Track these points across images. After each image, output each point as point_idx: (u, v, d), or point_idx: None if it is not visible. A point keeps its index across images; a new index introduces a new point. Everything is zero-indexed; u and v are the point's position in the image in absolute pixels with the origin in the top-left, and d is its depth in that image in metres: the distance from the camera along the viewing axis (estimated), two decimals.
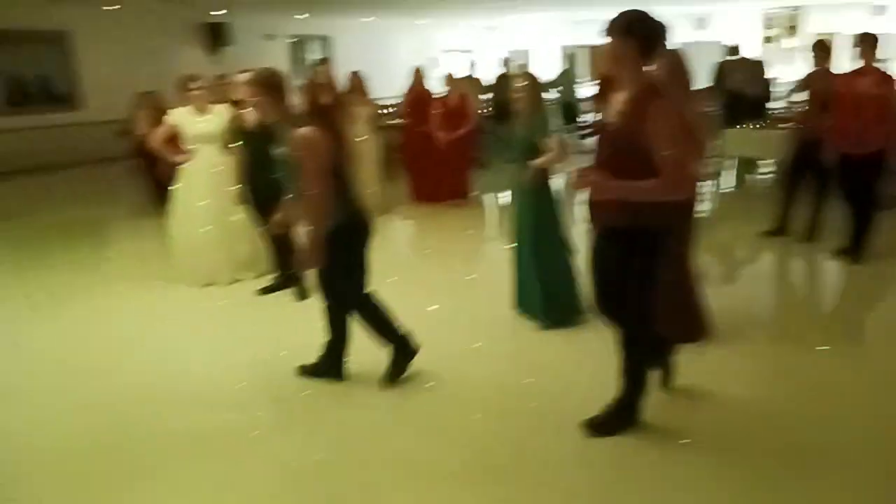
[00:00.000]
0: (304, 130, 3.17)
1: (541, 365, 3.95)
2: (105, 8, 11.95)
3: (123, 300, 5.45)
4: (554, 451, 3.06)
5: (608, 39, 2.59)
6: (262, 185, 4.92)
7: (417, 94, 8.43)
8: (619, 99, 2.66)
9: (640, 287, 2.73)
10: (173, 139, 5.56)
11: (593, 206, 2.79)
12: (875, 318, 4.90)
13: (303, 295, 5.14)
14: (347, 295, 3.56)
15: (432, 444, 3.19)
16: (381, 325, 3.61)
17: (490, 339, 4.33)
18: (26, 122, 11.74)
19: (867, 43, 5.25)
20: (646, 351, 2.97)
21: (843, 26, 15.24)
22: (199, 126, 5.38)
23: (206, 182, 5.46)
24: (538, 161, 4.03)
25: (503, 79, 11.43)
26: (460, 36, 20.55)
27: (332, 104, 6.99)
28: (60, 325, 4.96)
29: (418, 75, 8.52)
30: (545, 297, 4.22)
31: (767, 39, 16.66)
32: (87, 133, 12.11)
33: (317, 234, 3.26)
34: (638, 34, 2.53)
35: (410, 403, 3.58)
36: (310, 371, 3.80)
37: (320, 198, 3.18)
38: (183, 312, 5.15)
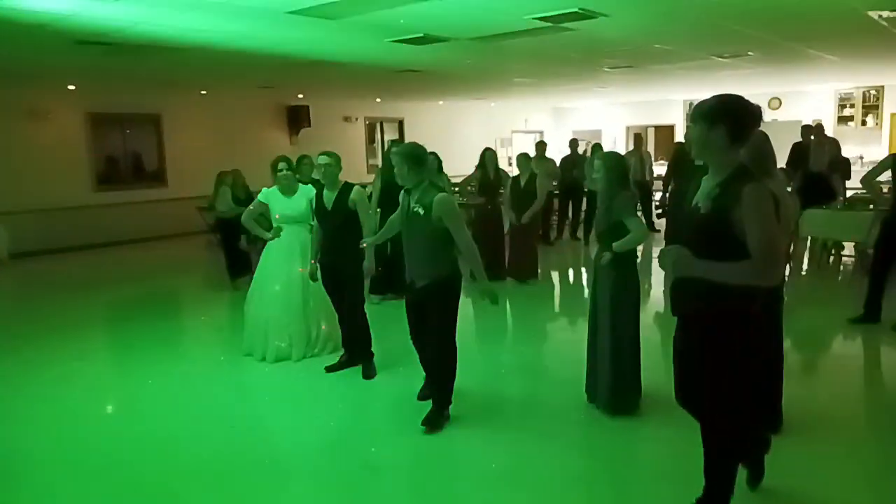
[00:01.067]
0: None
1: (614, 456, 3.77)
2: (202, 92, 12.80)
3: (198, 371, 5.56)
4: None
5: (695, 125, 2.56)
6: (340, 262, 5.06)
7: (489, 174, 8.55)
8: (709, 183, 2.60)
9: (725, 377, 2.58)
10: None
11: (678, 289, 2.69)
12: None
13: (369, 373, 5.12)
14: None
15: None
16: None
17: (564, 426, 4.17)
18: (117, 197, 12.47)
19: None
20: (734, 446, 2.77)
21: None
22: (286, 205, 5.55)
23: (286, 258, 5.60)
24: (620, 242, 3.95)
25: (572, 158, 11.52)
26: (529, 117, 20.96)
27: None
28: (145, 392, 5.08)
29: (491, 155, 8.67)
30: (615, 382, 4.07)
31: (843, 119, 16.32)
32: (172, 208, 12.78)
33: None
34: (727, 120, 2.49)
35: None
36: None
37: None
38: (253, 386, 5.21)
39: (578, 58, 9.39)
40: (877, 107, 16.03)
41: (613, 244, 3.94)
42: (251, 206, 5.75)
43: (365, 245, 4.78)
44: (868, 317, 6.05)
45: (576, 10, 6.02)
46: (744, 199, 2.39)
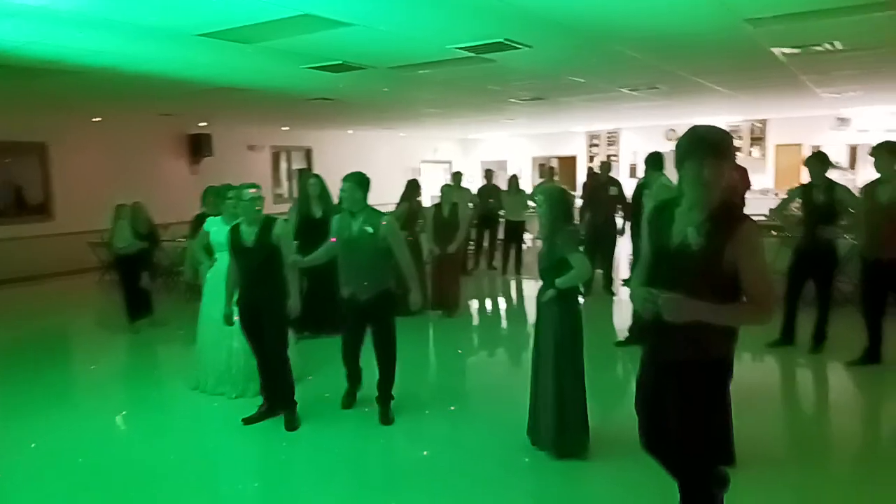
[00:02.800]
0: None
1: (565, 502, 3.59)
2: (94, 119, 11.93)
3: (92, 427, 4.97)
4: None
5: (713, 161, 2.37)
6: (262, 301, 4.68)
7: (411, 206, 8.36)
8: (695, 218, 2.44)
9: (704, 421, 2.45)
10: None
11: (666, 335, 2.47)
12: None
13: (293, 424, 4.72)
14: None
15: None
16: None
17: (510, 472, 3.96)
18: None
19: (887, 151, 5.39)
20: (712, 490, 2.63)
21: (805, 138, 15.95)
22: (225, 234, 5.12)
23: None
24: (563, 279, 3.81)
25: (487, 188, 11.52)
26: (438, 147, 21.03)
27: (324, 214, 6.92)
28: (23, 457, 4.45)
29: (414, 187, 8.52)
30: (558, 424, 3.90)
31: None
32: (61, 244, 11.77)
33: None
34: (731, 153, 2.40)
35: None
36: None
37: None
38: (158, 445, 4.69)
39: (493, 89, 9.43)
40: (762, 138, 17.14)
41: (556, 281, 3.81)
42: (199, 237, 5.80)
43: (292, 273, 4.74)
44: (784, 340, 6.25)
45: (501, 40, 5.97)
46: (741, 237, 2.29)
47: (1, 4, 4.54)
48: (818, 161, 5.83)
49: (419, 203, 8.55)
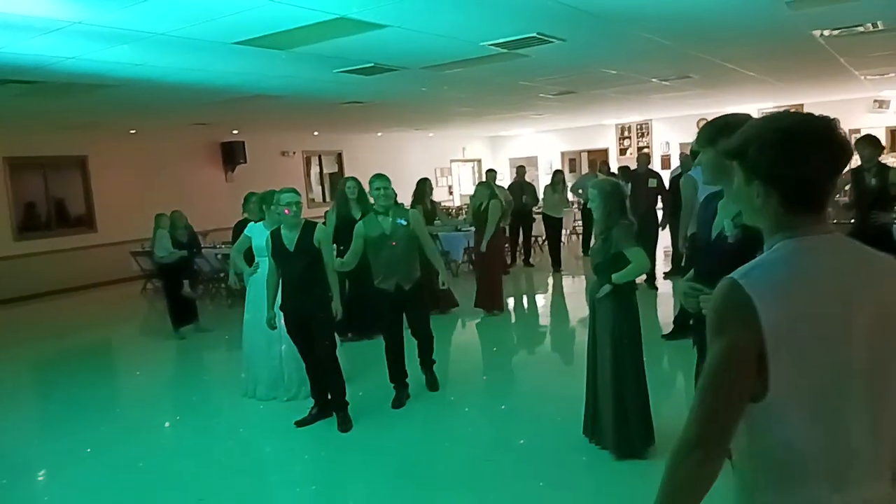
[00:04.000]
0: None
1: None
2: (131, 131, 12.15)
3: (147, 436, 5.05)
4: None
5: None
6: (308, 306, 4.70)
7: (424, 207, 8.37)
8: (732, 209, 2.40)
9: None
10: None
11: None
12: None
13: (346, 426, 4.74)
14: None
15: None
16: None
17: (559, 472, 3.92)
18: (41, 246, 11.62)
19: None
20: None
21: (843, 122, 15.56)
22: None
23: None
24: (620, 274, 3.75)
25: (519, 184, 11.45)
26: (467, 146, 21.01)
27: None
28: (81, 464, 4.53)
29: (424, 187, 8.63)
30: (619, 422, 3.83)
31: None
32: (103, 254, 12.00)
33: None
34: None
35: None
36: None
37: None
38: (210, 452, 4.74)
39: (524, 84, 9.37)
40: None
41: (613, 276, 3.74)
42: (238, 243, 5.88)
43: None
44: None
45: (534, 34, 5.93)
46: None
47: (39, 22, 4.63)
48: (869, 144, 5.66)
49: (432, 202, 8.52)
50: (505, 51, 6.54)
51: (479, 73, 7.81)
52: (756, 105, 16.02)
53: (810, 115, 1.31)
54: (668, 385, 5.38)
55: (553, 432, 4.42)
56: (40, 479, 4.45)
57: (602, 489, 3.77)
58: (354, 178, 7.28)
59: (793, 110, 1.39)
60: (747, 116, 2.42)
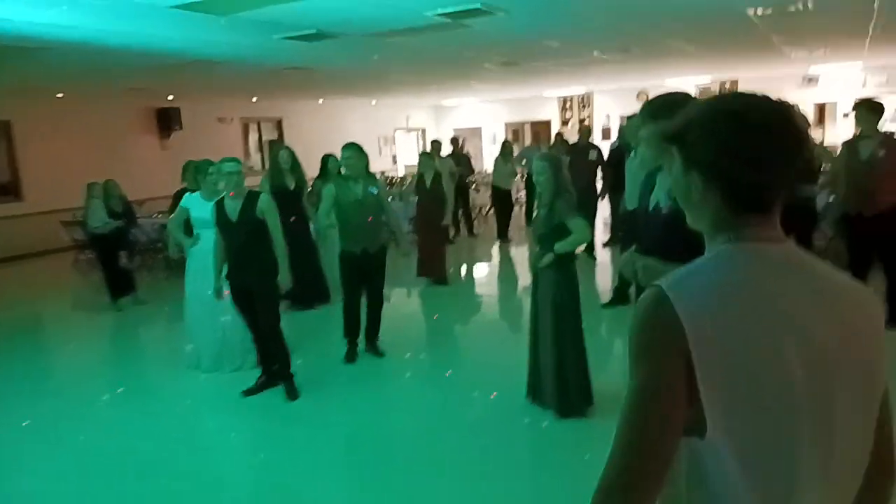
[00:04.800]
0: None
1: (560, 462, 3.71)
2: (58, 95, 11.60)
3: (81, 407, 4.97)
4: None
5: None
6: (251, 277, 4.67)
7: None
8: (666, 182, 2.51)
9: None
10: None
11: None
12: None
13: (293, 394, 4.77)
14: None
15: None
16: None
17: (504, 432, 4.07)
18: None
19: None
20: None
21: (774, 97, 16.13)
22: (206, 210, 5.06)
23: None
24: (562, 243, 3.87)
25: (456, 157, 11.50)
26: (411, 115, 20.88)
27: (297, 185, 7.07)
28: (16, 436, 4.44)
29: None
30: (560, 384, 4.01)
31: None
32: (31, 224, 11.51)
33: None
34: None
35: None
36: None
37: None
38: (158, 419, 4.70)
39: (468, 55, 9.36)
40: None
41: (556, 245, 3.86)
42: (174, 215, 5.71)
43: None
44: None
45: (479, 6, 5.93)
46: None
47: None
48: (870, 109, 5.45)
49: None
50: (449, 21, 6.53)
51: (422, 42, 7.76)
52: (693, 78, 16.44)
53: (765, 97, 1.10)
54: (607, 350, 5.59)
55: (497, 397, 4.56)
56: None
57: (545, 446, 3.96)
58: (287, 148, 7.22)
59: (728, 85, 1.17)
60: (689, 96, 2.53)
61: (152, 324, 7.43)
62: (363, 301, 5.49)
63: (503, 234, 10.98)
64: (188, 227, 5.62)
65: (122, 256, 7.69)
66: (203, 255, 5.12)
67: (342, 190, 5.41)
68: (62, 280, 10.29)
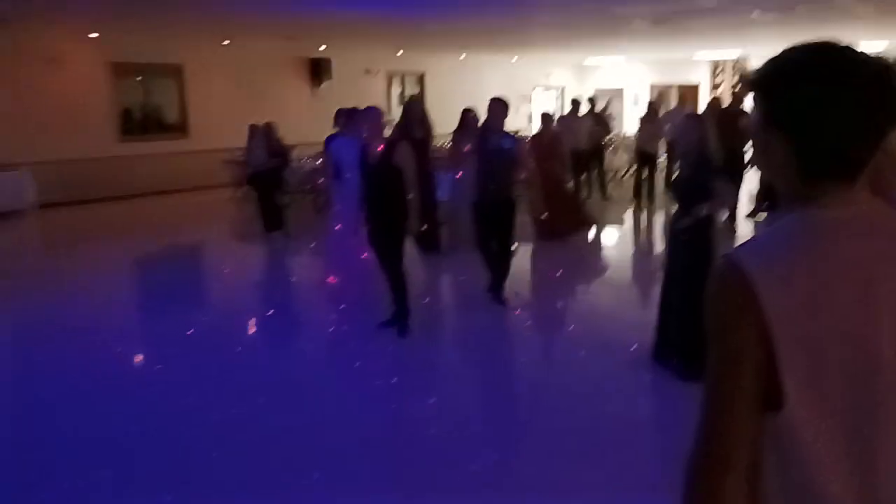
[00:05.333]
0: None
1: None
2: (224, 42, 12.50)
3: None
4: None
5: None
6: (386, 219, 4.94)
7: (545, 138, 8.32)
8: None
9: None
10: None
11: None
12: None
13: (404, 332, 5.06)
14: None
15: None
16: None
17: (631, 390, 4.14)
18: (139, 149, 12.28)
19: None
20: None
21: None
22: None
23: None
24: (704, 206, 3.82)
25: (594, 116, 11.29)
26: (551, 73, 20.58)
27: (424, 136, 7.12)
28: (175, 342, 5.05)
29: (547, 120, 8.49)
30: (690, 344, 3.99)
31: None
32: (195, 160, 12.61)
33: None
34: None
35: None
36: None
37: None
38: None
39: (618, 10, 9.12)
40: None
41: (696, 208, 3.81)
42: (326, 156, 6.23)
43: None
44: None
45: None
46: None
47: None
48: None
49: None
50: None
51: None
52: (867, 43, 15.04)
53: (867, 54, 0.98)
54: None
55: (621, 354, 4.60)
56: (147, 357, 4.99)
57: (666, 404, 4.00)
58: (419, 101, 7.40)
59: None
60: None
61: (298, 257, 8.03)
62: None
63: (642, 197, 10.72)
64: (338, 170, 5.99)
65: (277, 194, 8.31)
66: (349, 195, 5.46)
67: (486, 141, 5.54)
68: (221, 213, 11.24)
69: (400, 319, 5.08)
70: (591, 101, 11.70)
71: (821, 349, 0.98)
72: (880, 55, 0.98)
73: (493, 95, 5.87)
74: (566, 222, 8.02)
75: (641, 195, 10.73)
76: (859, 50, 0.98)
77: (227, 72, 13.33)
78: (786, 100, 0.99)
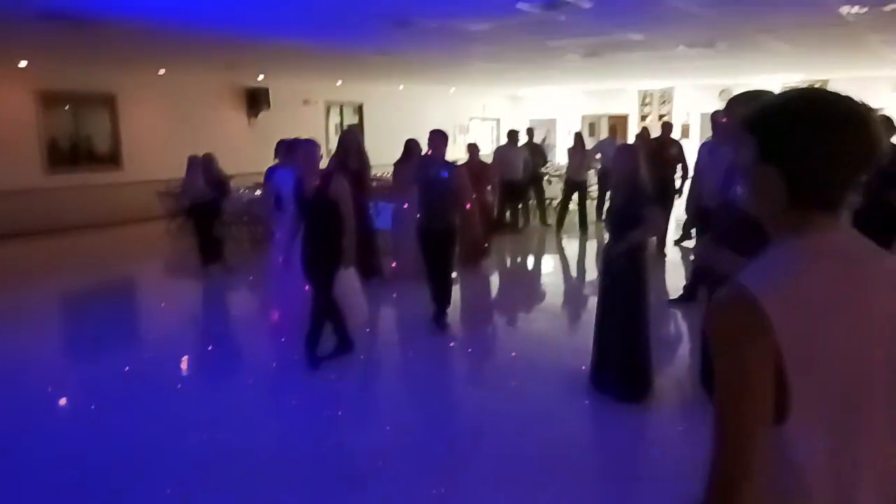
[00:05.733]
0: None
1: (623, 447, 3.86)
2: (160, 72, 12.30)
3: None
4: None
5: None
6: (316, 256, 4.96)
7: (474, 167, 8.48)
8: None
9: None
10: None
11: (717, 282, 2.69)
12: None
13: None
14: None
15: None
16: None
17: (567, 413, 4.24)
18: (68, 181, 11.89)
19: None
20: None
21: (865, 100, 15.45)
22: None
23: None
24: (637, 233, 3.98)
25: (530, 147, 11.58)
26: (487, 104, 21.00)
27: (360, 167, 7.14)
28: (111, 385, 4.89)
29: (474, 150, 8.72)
30: (628, 367, 4.14)
31: None
32: (129, 192, 12.29)
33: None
34: None
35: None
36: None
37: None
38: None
39: (552, 45, 9.44)
40: None
41: (629, 235, 3.98)
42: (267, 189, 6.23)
43: None
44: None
45: None
46: None
47: None
48: (882, 125, 5.68)
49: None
50: (538, 11, 6.66)
51: (509, 32, 7.91)
52: (781, 77, 15.96)
53: (846, 97, 1.12)
54: (674, 344, 5.66)
55: (558, 378, 4.72)
56: (76, 398, 4.82)
57: (604, 428, 4.11)
58: (354, 132, 7.50)
59: (818, 86, 1.17)
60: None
61: (238, 290, 7.90)
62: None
63: (582, 226, 11.01)
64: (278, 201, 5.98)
65: (216, 225, 8.18)
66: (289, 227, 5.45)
67: (427, 171, 5.77)
68: (156, 246, 10.94)
69: (342, 350, 5.10)
70: (530, 132, 12.03)
71: (824, 370, 1.07)
72: (858, 100, 1.12)
73: (431, 126, 6.04)
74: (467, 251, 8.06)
75: (564, 224, 11.05)
76: (839, 94, 1.13)
77: (163, 101, 13.12)
78: (782, 140, 1.11)
